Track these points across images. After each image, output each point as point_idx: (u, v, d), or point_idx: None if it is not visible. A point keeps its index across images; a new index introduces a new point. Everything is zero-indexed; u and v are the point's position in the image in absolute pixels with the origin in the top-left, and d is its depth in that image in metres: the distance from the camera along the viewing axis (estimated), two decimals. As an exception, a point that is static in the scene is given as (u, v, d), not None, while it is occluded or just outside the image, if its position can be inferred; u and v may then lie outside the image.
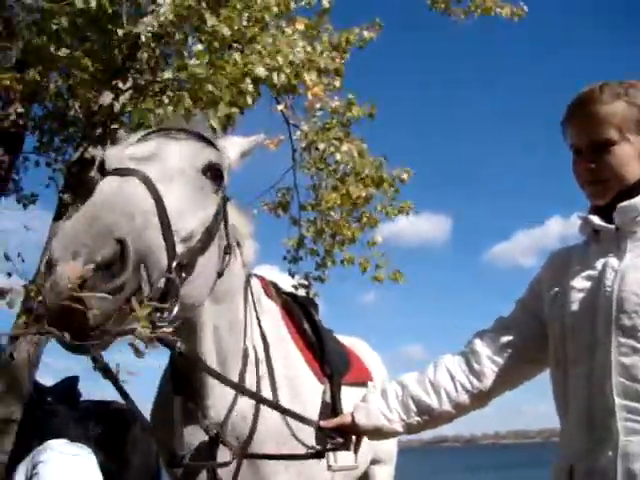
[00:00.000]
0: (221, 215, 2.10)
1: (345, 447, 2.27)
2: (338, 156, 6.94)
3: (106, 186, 1.73)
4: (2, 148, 6.19)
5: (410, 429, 2.19)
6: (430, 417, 2.16)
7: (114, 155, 1.97)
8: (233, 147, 2.33)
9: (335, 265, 7.62)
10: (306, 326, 2.86)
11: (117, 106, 5.56)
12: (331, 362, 2.79)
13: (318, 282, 7.66)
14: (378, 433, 2.21)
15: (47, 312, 1.40)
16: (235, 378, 2.33)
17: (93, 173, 2.21)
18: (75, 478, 3.31)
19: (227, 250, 2.20)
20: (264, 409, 2.34)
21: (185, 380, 2.34)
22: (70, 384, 6.94)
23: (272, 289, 2.88)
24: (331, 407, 2.64)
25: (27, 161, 7.00)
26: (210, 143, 2.15)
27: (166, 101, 5.17)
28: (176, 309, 1.74)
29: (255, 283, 2.69)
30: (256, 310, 2.56)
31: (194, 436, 2.33)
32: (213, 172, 2.06)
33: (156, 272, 1.64)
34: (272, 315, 2.70)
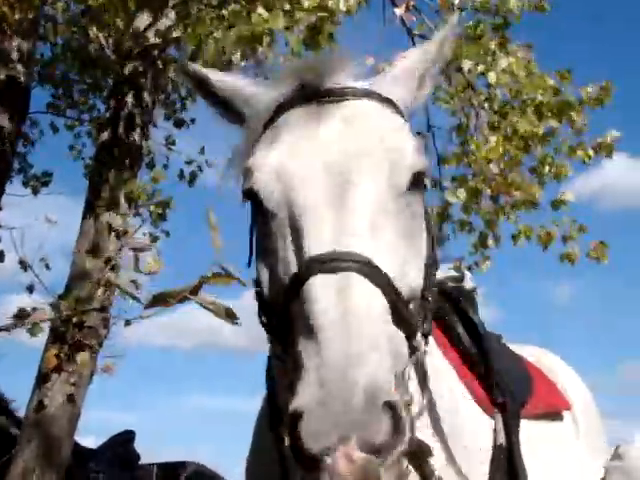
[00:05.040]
0: None
1: None
2: (493, 77, 5.50)
3: (329, 307, 1.44)
4: (3, 107, 4.61)
5: None
6: None
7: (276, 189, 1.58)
8: (406, 81, 1.86)
9: (499, 244, 6.11)
10: (460, 330, 2.44)
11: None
12: (503, 384, 2.34)
13: (474, 271, 6.13)
14: None
15: None
16: None
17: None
18: None
19: None
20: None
21: None
22: (123, 442, 5.42)
23: None
24: (507, 452, 2.19)
25: (36, 126, 5.52)
26: (393, 106, 1.77)
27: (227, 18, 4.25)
28: None
29: None
30: None
31: None
32: (418, 183, 1.72)
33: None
34: None
